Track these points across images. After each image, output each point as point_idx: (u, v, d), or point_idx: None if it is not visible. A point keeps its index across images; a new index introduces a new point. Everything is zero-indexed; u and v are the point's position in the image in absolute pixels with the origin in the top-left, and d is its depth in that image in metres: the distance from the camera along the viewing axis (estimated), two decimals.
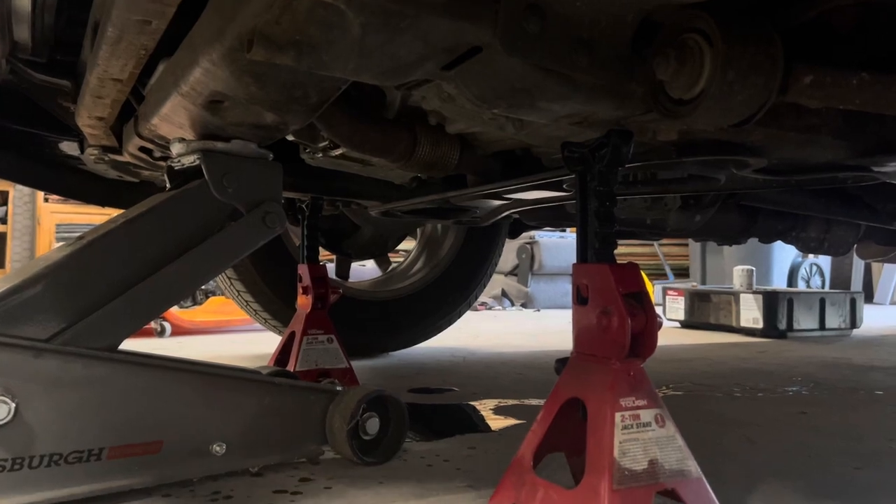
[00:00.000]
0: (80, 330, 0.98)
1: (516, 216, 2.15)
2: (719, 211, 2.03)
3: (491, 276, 3.02)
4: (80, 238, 1.09)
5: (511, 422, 1.57)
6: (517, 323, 4.45)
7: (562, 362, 1.00)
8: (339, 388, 1.20)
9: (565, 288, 5.85)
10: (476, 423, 1.58)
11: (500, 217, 1.96)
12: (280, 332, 2.42)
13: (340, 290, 1.91)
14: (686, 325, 4.09)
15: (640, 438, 0.85)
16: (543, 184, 1.41)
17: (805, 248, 2.52)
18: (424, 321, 2.74)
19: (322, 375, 1.72)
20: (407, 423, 1.22)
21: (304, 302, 1.80)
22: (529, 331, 3.89)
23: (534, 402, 1.80)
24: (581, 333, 0.93)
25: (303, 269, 1.82)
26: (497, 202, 1.87)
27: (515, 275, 5.80)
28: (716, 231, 2.18)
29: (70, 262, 1.02)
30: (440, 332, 2.82)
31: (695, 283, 4.56)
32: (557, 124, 1.03)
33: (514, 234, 2.78)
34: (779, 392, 1.98)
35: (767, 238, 2.42)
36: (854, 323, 3.75)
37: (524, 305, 5.65)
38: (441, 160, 1.32)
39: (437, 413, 1.71)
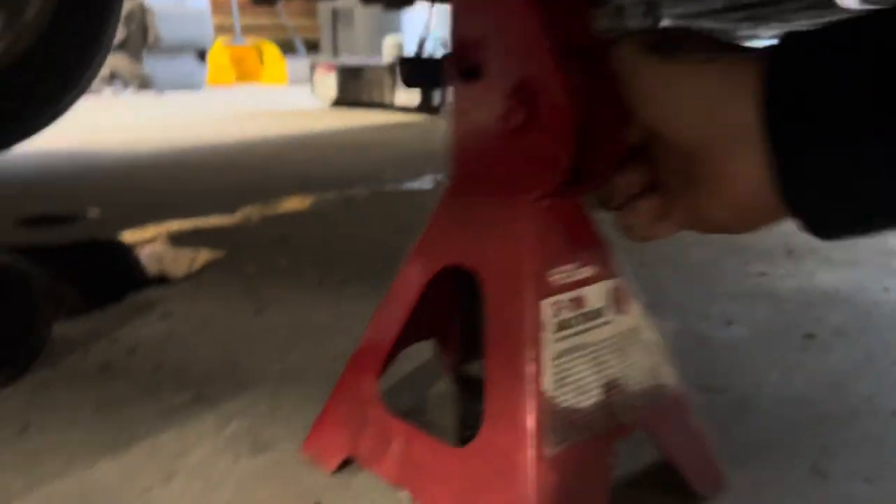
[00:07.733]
0: None
1: None
2: None
3: (108, 52, 2.24)
4: None
5: (204, 256, 1.11)
6: (142, 110, 3.64)
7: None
8: None
9: (190, 66, 4.99)
10: (146, 270, 1.07)
11: None
12: None
13: None
14: (337, 103, 3.79)
15: (589, 344, 0.47)
16: None
17: None
18: (12, 116, 1.92)
19: None
20: (50, 311, 0.69)
21: None
22: (163, 120, 3.18)
23: (224, 220, 1.34)
24: (466, 143, 0.48)
25: None
26: None
27: (125, 50, 4.72)
28: None
29: None
30: (42, 129, 2.03)
31: (344, 56, 4.19)
32: None
33: None
34: None
35: None
36: None
37: (142, 87, 4.70)
38: None
39: (77, 258, 1.15)
